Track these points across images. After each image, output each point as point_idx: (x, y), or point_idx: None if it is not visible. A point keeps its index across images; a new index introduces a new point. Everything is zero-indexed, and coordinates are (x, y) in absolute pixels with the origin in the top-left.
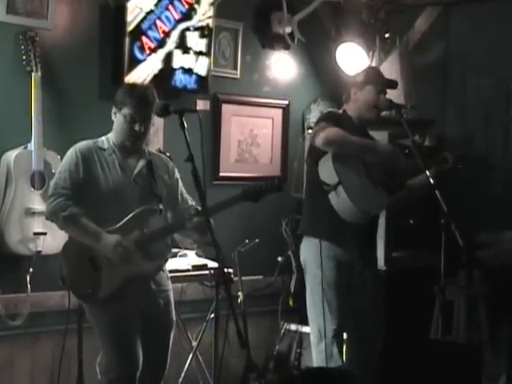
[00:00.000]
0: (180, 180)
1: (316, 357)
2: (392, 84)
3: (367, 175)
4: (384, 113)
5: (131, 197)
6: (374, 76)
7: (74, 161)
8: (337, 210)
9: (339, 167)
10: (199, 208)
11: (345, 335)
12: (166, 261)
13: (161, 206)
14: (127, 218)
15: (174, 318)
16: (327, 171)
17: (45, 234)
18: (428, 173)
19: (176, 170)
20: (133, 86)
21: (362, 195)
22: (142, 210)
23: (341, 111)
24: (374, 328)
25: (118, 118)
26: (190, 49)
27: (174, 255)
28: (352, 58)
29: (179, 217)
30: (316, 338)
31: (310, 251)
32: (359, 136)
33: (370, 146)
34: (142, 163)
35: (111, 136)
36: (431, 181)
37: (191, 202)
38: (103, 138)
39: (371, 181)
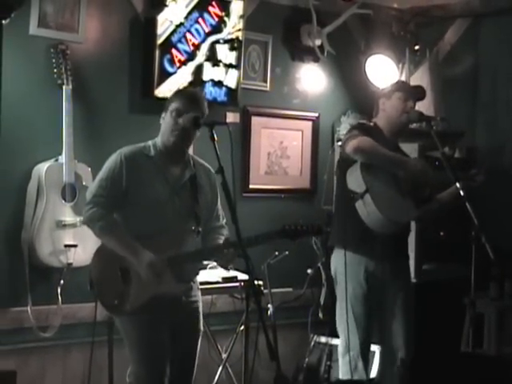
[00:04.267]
0: (219, 194)
1: (342, 367)
2: (419, 91)
3: (396, 185)
4: (414, 125)
5: (171, 210)
6: (401, 84)
7: (118, 167)
8: (363, 219)
9: (367, 175)
10: (229, 238)
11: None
12: (197, 274)
13: (199, 228)
14: (165, 236)
15: (202, 327)
16: (355, 179)
17: (76, 246)
18: (458, 185)
19: (217, 183)
20: (183, 88)
21: (390, 204)
22: (180, 229)
23: (371, 124)
24: (405, 340)
25: (165, 118)
26: (219, 61)
27: (204, 267)
28: (382, 70)
29: (207, 235)
30: (344, 349)
31: (339, 263)
32: (390, 150)
33: (400, 161)
34: (187, 175)
35: (158, 140)
36: (462, 193)
37: (222, 219)
38: (150, 142)
39: (400, 191)
